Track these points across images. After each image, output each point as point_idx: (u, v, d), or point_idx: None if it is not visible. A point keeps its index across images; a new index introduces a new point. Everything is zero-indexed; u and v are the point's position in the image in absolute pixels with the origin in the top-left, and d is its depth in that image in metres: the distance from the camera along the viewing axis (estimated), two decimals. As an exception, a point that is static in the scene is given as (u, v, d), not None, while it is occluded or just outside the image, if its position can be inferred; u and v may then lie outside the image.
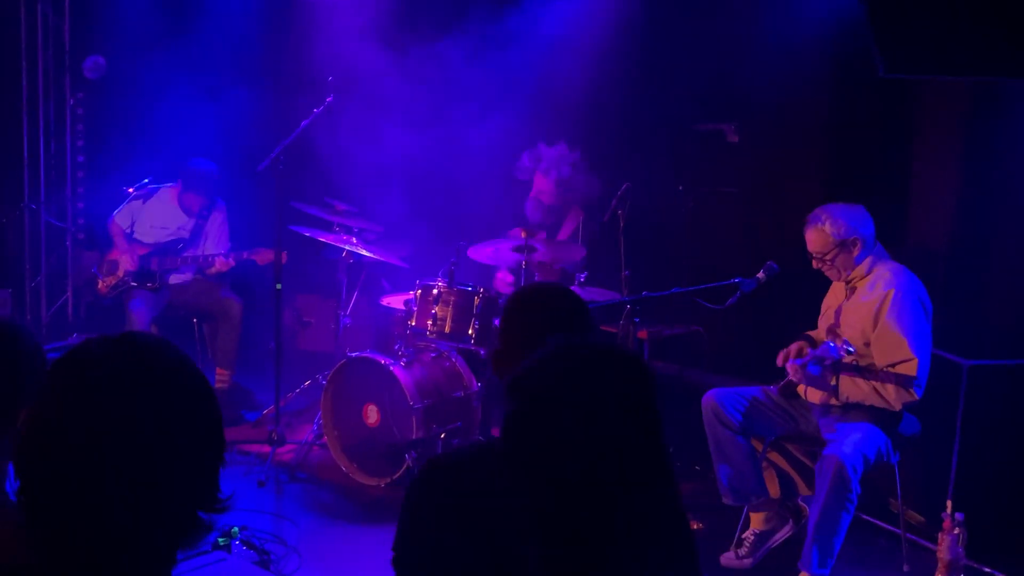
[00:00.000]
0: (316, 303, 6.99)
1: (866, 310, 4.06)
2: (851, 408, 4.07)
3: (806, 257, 4.22)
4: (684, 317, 5.54)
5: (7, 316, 6.31)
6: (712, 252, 5.80)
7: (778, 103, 5.60)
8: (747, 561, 4.25)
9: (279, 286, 5.22)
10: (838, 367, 4.04)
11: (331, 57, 5.98)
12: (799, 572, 3.92)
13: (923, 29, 3.43)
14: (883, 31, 3.46)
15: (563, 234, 5.67)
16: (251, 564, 3.97)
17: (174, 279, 6.09)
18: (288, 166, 5.15)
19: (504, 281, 5.73)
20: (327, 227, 5.48)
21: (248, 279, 6.47)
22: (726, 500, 4.28)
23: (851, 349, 3.96)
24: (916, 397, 3.94)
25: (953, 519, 3.69)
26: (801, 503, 4.37)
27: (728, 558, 4.28)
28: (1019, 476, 4.31)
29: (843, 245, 4.10)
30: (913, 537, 4.35)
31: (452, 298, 5.00)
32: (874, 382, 3.98)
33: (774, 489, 4.37)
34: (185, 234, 6.07)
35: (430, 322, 5.03)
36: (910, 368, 3.92)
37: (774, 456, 4.45)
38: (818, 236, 4.13)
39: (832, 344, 3.97)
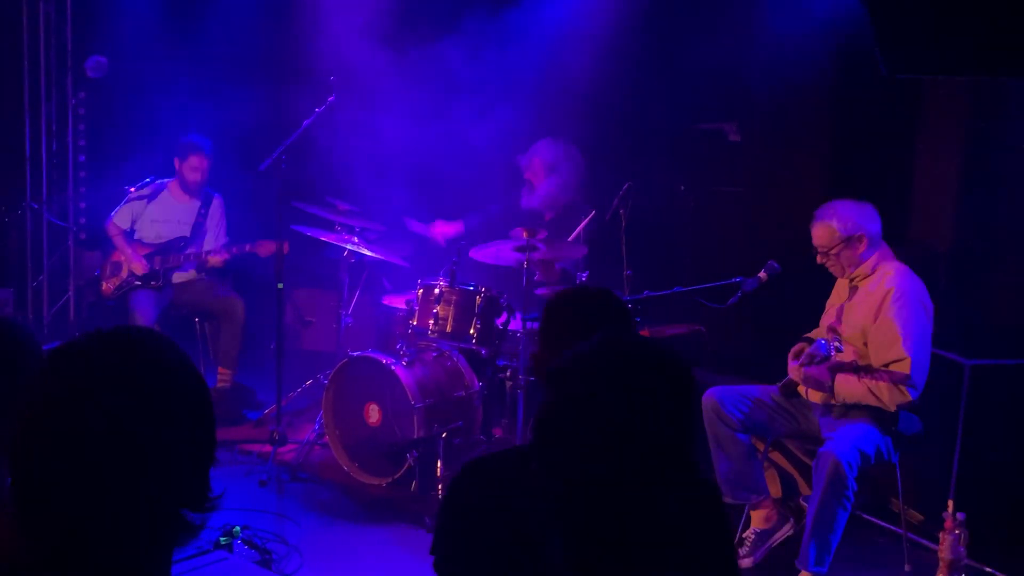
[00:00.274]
0: (318, 302, 6.99)
1: (867, 309, 4.07)
2: (852, 407, 4.07)
3: (808, 256, 4.22)
4: (686, 316, 5.54)
5: (7, 315, 6.31)
6: (713, 251, 5.80)
7: (779, 102, 5.61)
8: (747, 560, 4.25)
9: (281, 285, 5.23)
10: (835, 368, 4.04)
11: (333, 56, 5.99)
12: (798, 571, 3.92)
13: (925, 28, 3.43)
14: (884, 30, 3.46)
15: (573, 235, 5.68)
16: (252, 563, 3.97)
17: (177, 277, 6.11)
18: (290, 165, 5.16)
19: (443, 234, 5.87)
20: (329, 226, 5.49)
21: (250, 278, 6.47)
22: (726, 499, 4.28)
23: (840, 347, 3.97)
24: (910, 397, 3.93)
25: (955, 519, 3.69)
26: (802, 502, 4.37)
27: (729, 557, 4.28)
28: (1021, 476, 4.32)
29: (848, 241, 4.10)
30: (914, 537, 4.34)
31: (454, 297, 5.00)
32: (868, 382, 3.98)
33: (775, 488, 4.38)
34: (187, 230, 6.08)
35: (432, 321, 5.03)
36: (904, 367, 3.91)
37: (775, 455, 4.45)
38: (824, 231, 4.13)
39: (823, 341, 3.99)
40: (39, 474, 1.22)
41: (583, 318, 2.34)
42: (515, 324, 5.05)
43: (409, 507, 4.70)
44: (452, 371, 5.14)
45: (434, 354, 5.16)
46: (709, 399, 4.25)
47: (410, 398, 4.79)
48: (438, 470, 4.79)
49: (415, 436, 4.77)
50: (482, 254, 5.21)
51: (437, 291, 5.03)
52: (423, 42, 6.10)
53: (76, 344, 1.28)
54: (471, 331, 4.97)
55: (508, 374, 5.19)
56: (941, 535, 3.72)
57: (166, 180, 6.17)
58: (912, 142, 5.20)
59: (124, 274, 6.00)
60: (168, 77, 6.82)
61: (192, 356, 1.34)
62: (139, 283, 5.97)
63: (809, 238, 4.23)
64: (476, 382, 5.11)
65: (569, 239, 5.42)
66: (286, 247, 5.30)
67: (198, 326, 6.22)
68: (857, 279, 4.18)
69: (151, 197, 6.11)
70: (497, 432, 5.37)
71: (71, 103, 7.38)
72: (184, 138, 6.11)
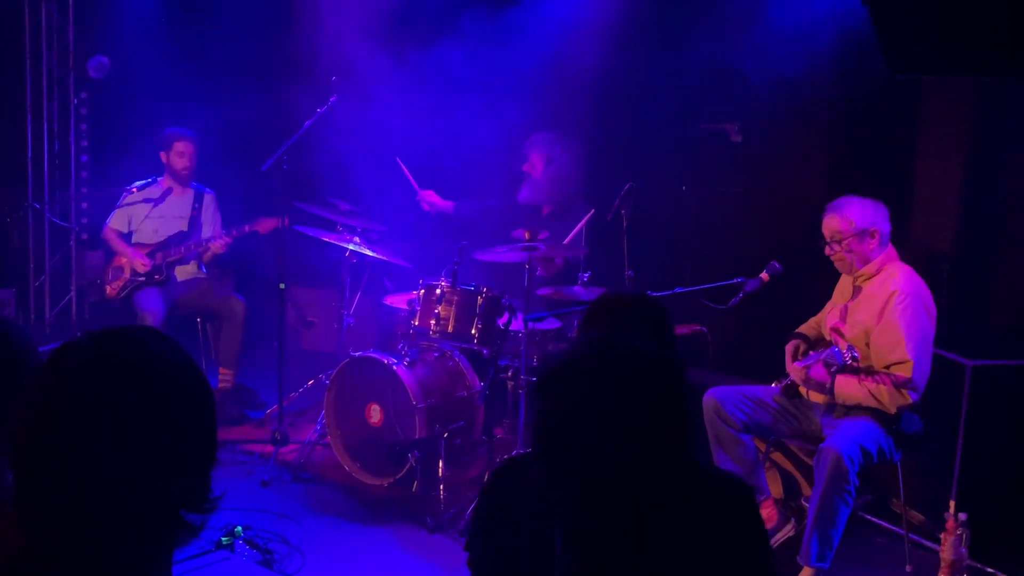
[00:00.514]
0: (319, 302, 7.00)
1: (871, 310, 4.06)
2: (852, 407, 4.07)
3: (809, 257, 4.21)
4: (687, 317, 5.54)
5: (6, 315, 6.32)
6: (715, 252, 5.80)
7: (781, 103, 5.60)
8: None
9: (282, 286, 5.24)
10: (840, 371, 4.04)
11: (333, 56, 5.99)
12: (801, 568, 3.92)
13: (927, 28, 3.42)
14: (886, 30, 3.46)
15: (572, 235, 5.68)
16: (254, 563, 3.98)
17: (180, 273, 6.11)
18: (291, 166, 5.17)
19: (430, 203, 5.92)
20: (330, 227, 5.49)
21: (252, 279, 6.47)
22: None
23: (857, 355, 3.96)
24: (910, 400, 3.93)
25: (956, 519, 3.68)
26: (803, 503, 4.37)
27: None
28: (1022, 476, 4.31)
29: (861, 234, 4.10)
30: (916, 537, 4.34)
31: (455, 298, 5.00)
32: (869, 385, 3.97)
33: (776, 489, 4.37)
34: (183, 225, 6.11)
35: (433, 322, 5.03)
36: (905, 370, 3.91)
37: (777, 456, 4.45)
38: (839, 221, 4.13)
39: (837, 350, 3.97)
40: (39, 474, 1.21)
41: (617, 324, 2.36)
42: (517, 324, 5.04)
43: (411, 507, 4.71)
44: (454, 371, 5.14)
45: (436, 354, 5.16)
46: (710, 399, 4.25)
47: (412, 398, 4.79)
48: (439, 470, 4.79)
49: (417, 436, 4.78)
50: (486, 256, 5.21)
51: (439, 291, 5.03)
52: (424, 41, 6.10)
53: (77, 344, 1.27)
54: (473, 331, 4.97)
55: (510, 374, 5.19)
56: (943, 535, 3.72)
57: (157, 178, 6.18)
58: (914, 143, 5.19)
59: (127, 274, 6.00)
60: (170, 78, 6.83)
61: (194, 356, 1.34)
62: (143, 279, 5.98)
63: (812, 238, 4.23)
64: (478, 382, 5.11)
65: (569, 238, 5.42)
66: (287, 221, 5.29)
67: (199, 326, 6.22)
68: (862, 279, 4.17)
69: (145, 198, 6.12)
70: (499, 432, 5.37)
71: (73, 103, 7.39)
72: (164, 131, 6.14)
